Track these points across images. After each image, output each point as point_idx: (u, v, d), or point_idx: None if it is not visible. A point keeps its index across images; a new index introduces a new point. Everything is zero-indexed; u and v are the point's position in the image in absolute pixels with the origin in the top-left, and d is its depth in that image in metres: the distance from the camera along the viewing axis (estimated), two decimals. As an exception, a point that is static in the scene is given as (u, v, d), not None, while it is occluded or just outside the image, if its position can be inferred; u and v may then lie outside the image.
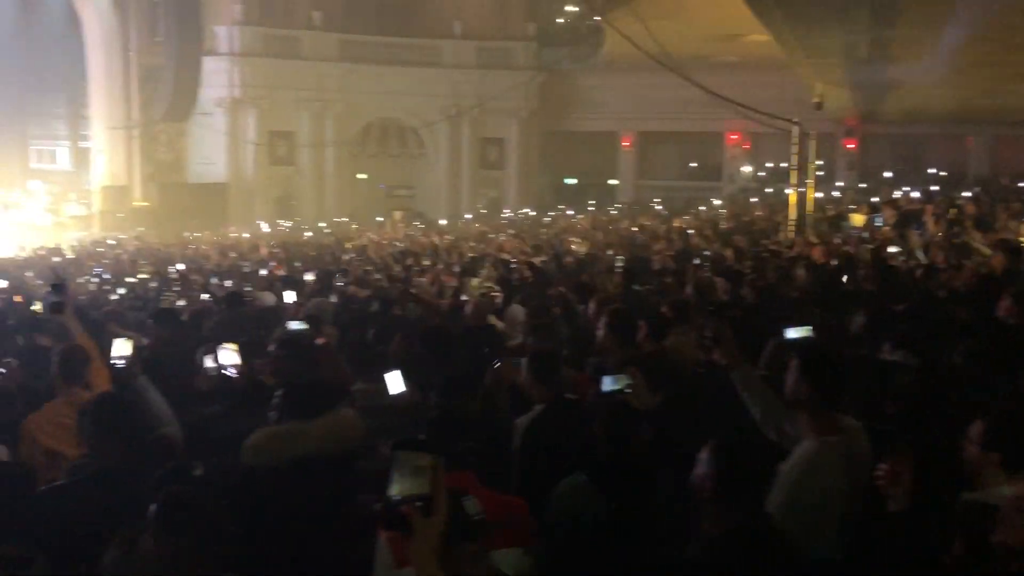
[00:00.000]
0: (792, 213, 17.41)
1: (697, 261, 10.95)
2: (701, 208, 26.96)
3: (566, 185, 36.08)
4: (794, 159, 17.61)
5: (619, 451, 3.59)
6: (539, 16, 31.86)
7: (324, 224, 27.30)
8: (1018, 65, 16.50)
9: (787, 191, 18.61)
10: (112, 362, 4.84)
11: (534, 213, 28.63)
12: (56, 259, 18.31)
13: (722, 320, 4.32)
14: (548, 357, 4.65)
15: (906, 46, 14.82)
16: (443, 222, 27.59)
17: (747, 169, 34.71)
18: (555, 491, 3.54)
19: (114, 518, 3.29)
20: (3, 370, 5.35)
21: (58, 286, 5.36)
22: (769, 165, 33.42)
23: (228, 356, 4.97)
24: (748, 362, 4.08)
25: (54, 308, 5.28)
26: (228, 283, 11.41)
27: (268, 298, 9.23)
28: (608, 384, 4.02)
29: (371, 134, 32.96)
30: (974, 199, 18.56)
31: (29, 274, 14.44)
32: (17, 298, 10.04)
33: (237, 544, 3.02)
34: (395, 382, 4.61)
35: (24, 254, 20.36)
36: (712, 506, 2.81)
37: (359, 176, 32.52)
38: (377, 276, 11.71)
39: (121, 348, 4.81)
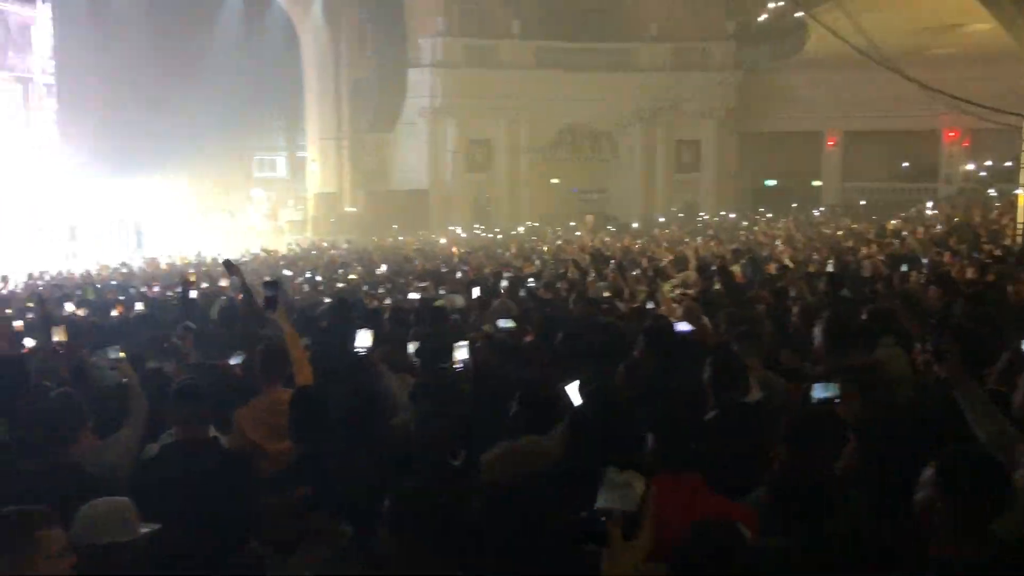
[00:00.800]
0: (1020, 216, 15.99)
1: (905, 268, 10.24)
2: (913, 210, 25.27)
3: (766, 187, 34.88)
4: (1023, 157, 16.16)
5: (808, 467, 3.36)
6: (738, 14, 31.00)
7: (521, 228, 27.87)
8: None
9: (1017, 191, 17.12)
10: (355, 350, 5.15)
11: (732, 216, 27.88)
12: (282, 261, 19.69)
13: (947, 332, 4.00)
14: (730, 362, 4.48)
15: None
16: (635, 225, 27.40)
17: (969, 167, 32.23)
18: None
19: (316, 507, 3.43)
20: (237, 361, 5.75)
21: (271, 283, 5.61)
22: (989, 164, 30.86)
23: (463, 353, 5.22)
24: (973, 378, 3.74)
25: (267, 303, 5.51)
26: (424, 284, 11.79)
27: (457, 300, 9.46)
28: (819, 392, 3.84)
29: (564, 139, 33.27)
30: None
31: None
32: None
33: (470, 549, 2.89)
34: (576, 394, 4.55)
35: (246, 258, 22.04)
36: (942, 531, 2.58)
37: (552, 181, 32.91)
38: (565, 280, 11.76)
39: (363, 339, 5.12)
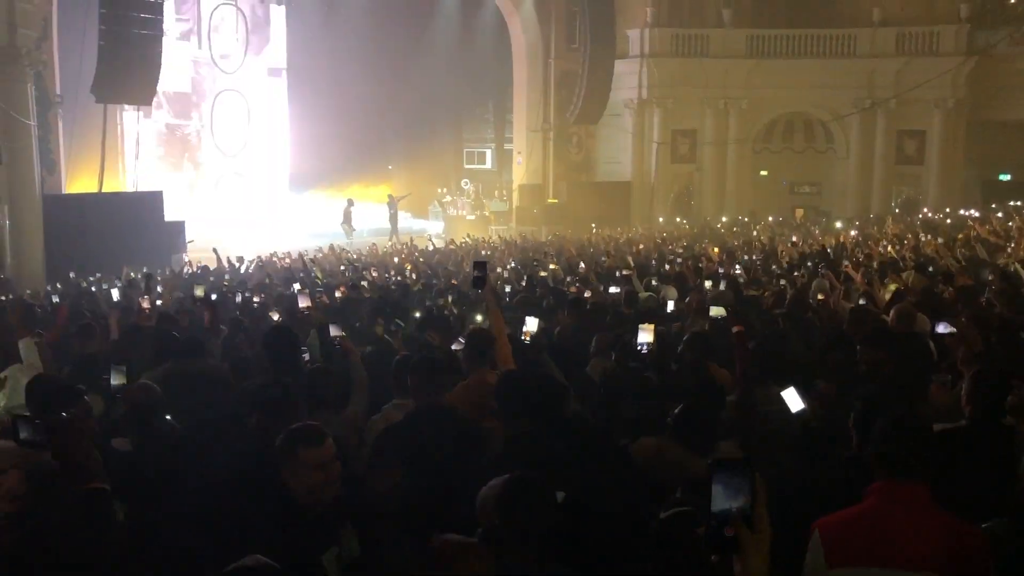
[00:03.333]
0: None
1: None
2: None
3: (999, 182, 32.11)
4: None
5: None
6: (973, -5, 28.69)
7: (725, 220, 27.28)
8: None
9: None
10: (521, 337, 5.35)
11: (964, 212, 25.87)
12: (484, 251, 20.44)
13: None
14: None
15: None
16: (857, 224, 26.00)
17: None
18: None
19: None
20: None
21: (480, 263, 5.89)
22: None
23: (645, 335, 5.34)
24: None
25: (476, 283, 5.76)
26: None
27: (671, 292, 9.55)
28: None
29: (775, 130, 32.14)
30: None
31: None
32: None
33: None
34: (793, 399, 4.47)
35: (452, 246, 22.96)
36: None
37: (761, 173, 31.90)
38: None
39: (531, 325, 5.32)
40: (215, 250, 18.51)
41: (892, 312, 6.51)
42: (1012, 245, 15.28)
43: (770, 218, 26.71)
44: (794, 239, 19.98)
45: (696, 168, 31.51)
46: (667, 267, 13.76)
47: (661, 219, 29.18)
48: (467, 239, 24.18)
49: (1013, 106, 29.96)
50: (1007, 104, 29.97)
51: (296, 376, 4.99)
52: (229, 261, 18.01)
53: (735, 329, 5.39)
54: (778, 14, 30.54)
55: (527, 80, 32.12)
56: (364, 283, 12.58)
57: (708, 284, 9.92)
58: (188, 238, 22.37)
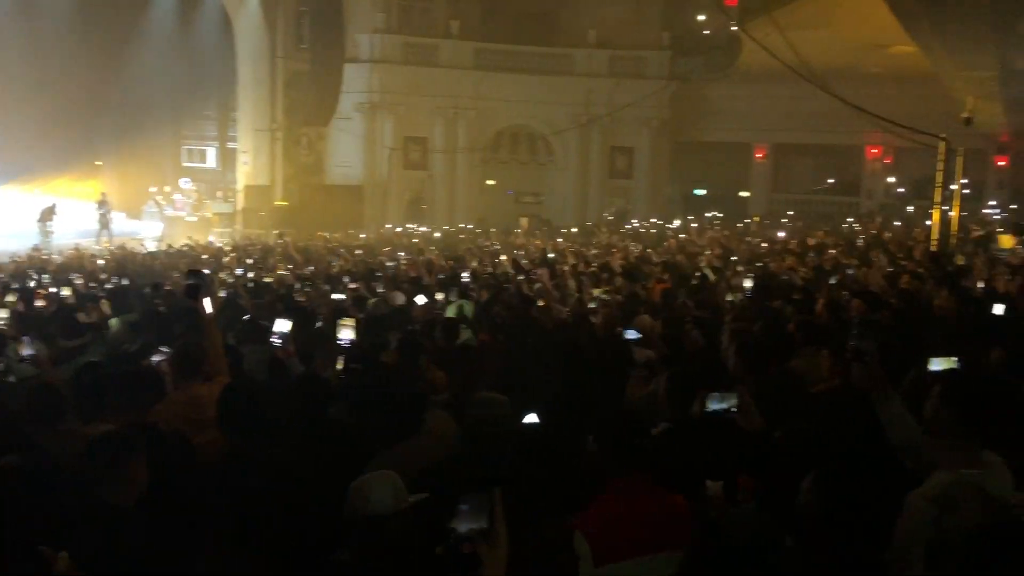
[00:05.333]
0: (935, 232, 16.64)
1: (834, 280, 10.59)
2: (844, 225, 26.06)
3: (695, 196, 35.57)
4: (939, 176, 16.81)
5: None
6: (675, 25, 31.52)
7: (454, 228, 27.86)
8: None
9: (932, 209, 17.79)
10: (272, 340, 5.14)
11: (663, 224, 28.31)
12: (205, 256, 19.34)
13: (867, 342, 4.17)
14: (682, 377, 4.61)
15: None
16: (575, 230, 27.61)
17: (891, 180, 33.45)
18: None
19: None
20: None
21: (195, 272, 5.56)
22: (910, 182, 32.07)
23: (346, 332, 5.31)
24: (892, 388, 3.91)
25: (189, 292, 5.40)
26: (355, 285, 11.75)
27: (398, 298, 9.49)
28: (715, 403, 3.94)
29: (502, 141, 33.40)
30: None
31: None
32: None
33: None
34: (531, 420, 4.53)
35: (171, 249, 21.58)
36: (818, 539, 2.73)
37: (488, 182, 32.99)
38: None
39: (281, 326, 5.12)
40: None
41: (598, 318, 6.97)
42: (708, 252, 16.94)
43: (492, 230, 27.59)
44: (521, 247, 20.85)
45: (428, 175, 31.98)
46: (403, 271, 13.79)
47: (388, 225, 29.29)
48: (189, 242, 22.83)
49: (708, 128, 33.40)
50: (704, 126, 33.36)
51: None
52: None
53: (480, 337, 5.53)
54: (503, 29, 31.74)
55: (253, 78, 30.89)
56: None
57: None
58: None
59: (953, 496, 3.07)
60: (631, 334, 6.05)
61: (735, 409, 3.91)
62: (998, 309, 7.68)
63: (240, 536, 3.03)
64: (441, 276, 12.41)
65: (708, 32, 30.27)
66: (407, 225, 28.77)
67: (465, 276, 11.86)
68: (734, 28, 24.44)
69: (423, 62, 30.86)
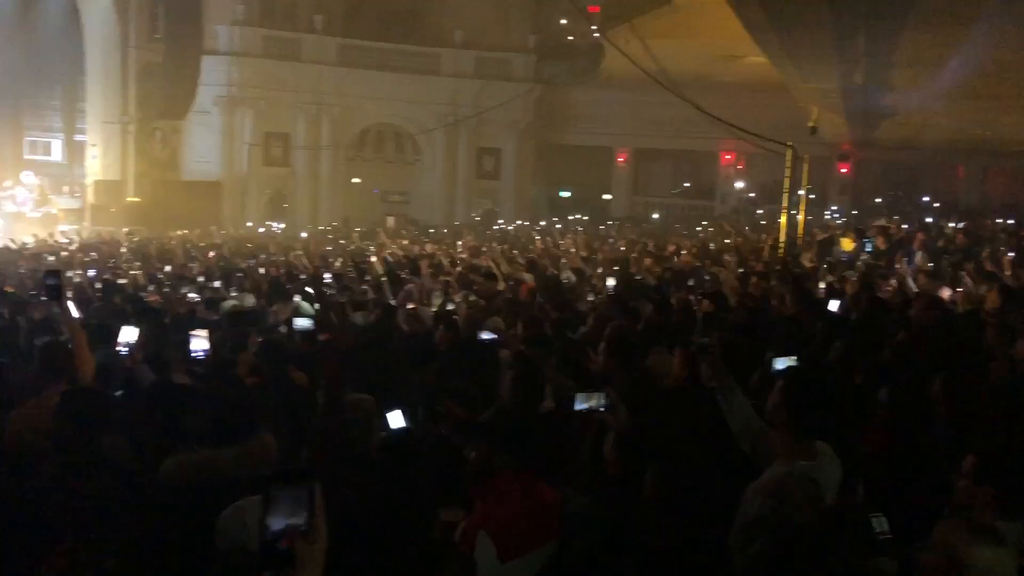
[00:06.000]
0: (781, 235, 17.51)
1: (692, 282, 11.01)
2: (698, 228, 27.08)
3: (560, 198, 36.20)
4: (786, 182, 17.71)
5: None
6: (541, 29, 31.97)
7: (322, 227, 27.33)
8: (1008, 98, 16.67)
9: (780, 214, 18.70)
10: (117, 348, 4.90)
11: (530, 225, 28.66)
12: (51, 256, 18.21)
13: (711, 340, 4.37)
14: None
15: (902, 75, 14.94)
16: (445, 231, 27.56)
17: (739, 185, 35.02)
18: None
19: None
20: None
21: (52, 272, 5.26)
22: (760, 187, 33.68)
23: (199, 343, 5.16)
24: (733, 381, 4.11)
25: (49, 294, 5.13)
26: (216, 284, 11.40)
27: (248, 299, 9.28)
28: (581, 403, 4.03)
29: (368, 139, 33.01)
30: (964, 230, 18.74)
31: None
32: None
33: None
34: (396, 419, 4.50)
35: (14, 245, 20.27)
36: (656, 521, 2.86)
37: (354, 180, 32.53)
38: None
39: (127, 335, 4.88)
40: None
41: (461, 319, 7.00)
42: (573, 252, 17.26)
43: (357, 230, 27.22)
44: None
45: (290, 172, 31.24)
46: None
47: (249, 223, 28.47)
48: (33, 239, 21.48)
49: (573, 132, 34.08)
50: (568, 130, 34.01)
51: None
52: None
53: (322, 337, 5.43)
54: (368, 26, 31.37)
55: (103, 68, 29.34)
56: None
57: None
58: None
59: (786, 489, 3.26)
60: (487, 335, 6.10)
61: (603, 408, 4.02)
62: (833, 306, 8.21)
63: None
64: (303, 277, 12.17)
65: (572, 38, 30.87)
66: (268, 223, 28.04)
67: (328, 277, 11.66)
68: (596, 35, 24.99)
69: (285, 56, 30.11)
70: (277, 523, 1.75)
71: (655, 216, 32.75)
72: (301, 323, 6.94)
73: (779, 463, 3.51)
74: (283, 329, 7.99)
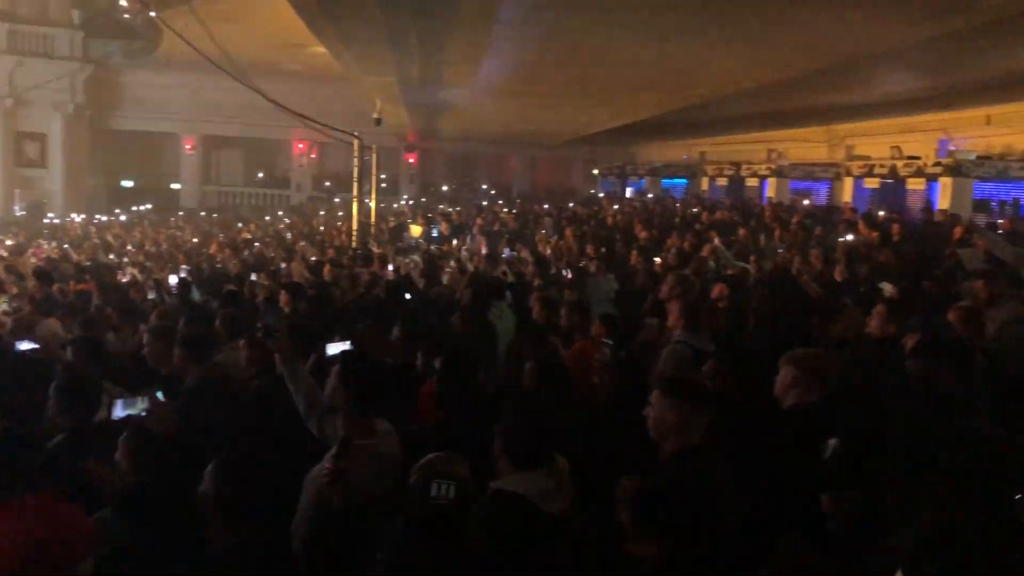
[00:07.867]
0: (354, 223, 18.03)
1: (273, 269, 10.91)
2: (267, 218, 26.83)
3: (123, 188, 33.57)
4: (355, 171, 18.23)
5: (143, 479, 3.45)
6: (86, 4, 29.13)
7: None
8: (543, 96, 18.82)
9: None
10: None
11: (87, 219, 26.15)
12: None
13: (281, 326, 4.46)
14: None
15: (452, 72, 16.05)
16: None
17: (315, 174, 35.39)
18: None
19: None
20: None
21: None
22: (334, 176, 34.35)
23: None
24: (300, 363, 4.22)
25: None
26: None
27: None
28: (120, 410, 3.89)
29: None
30: (515, 214, 20.89)
31: None
32: None
33: None
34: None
35: None
36: (214, 522, 2.87)
37: None
38: None
39: None
40: None
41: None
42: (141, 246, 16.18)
43: None
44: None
45: None
46: None
47: None
48: None
49: (133, 117, 31.71)
50: (127, 115, 31.58)
51: None
52: None
53: None
54: None
55: None
56: None
57: None
58: None
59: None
60: (25, 344, 5.60)
61: (144, 413, 3.89)
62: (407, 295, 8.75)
63: None
64: None
65: (128, 16, 28.57)
66: None
67: None
68: (152, 14, 23.43)
69: None
70: None
71: (237, 205, 31.77)
72: None
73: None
74: None
